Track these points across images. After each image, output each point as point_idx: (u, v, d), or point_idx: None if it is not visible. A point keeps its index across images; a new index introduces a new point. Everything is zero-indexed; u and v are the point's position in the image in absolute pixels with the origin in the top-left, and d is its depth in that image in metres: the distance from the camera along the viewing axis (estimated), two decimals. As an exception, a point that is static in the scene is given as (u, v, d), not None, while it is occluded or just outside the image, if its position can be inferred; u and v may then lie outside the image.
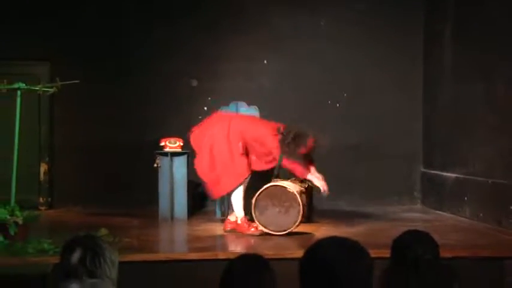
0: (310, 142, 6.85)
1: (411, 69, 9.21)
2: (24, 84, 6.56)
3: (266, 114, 8.13)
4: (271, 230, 6.64)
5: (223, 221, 7.59)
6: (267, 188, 6.70)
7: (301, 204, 6.56)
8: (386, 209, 8.51)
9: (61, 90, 6.89)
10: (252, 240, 6.44)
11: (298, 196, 6.60)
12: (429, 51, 9.13)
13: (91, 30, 8.83)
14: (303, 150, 6.81)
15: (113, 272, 2.95)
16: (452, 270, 3.27)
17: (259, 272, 2.81)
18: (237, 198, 6.91)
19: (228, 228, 6.96)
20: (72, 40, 8.78)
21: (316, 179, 6.96)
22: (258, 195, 6.65)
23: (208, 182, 6.93)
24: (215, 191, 6.97)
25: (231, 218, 7.00)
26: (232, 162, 6.81)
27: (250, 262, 2.88)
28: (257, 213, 6.67)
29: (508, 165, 7.24)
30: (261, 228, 6.69)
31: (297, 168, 6.87)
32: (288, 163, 6.84)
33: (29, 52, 8.69)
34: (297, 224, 6.60)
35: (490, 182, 7.49)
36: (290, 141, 6.77)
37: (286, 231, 6.59)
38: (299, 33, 9.08)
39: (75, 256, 2.90)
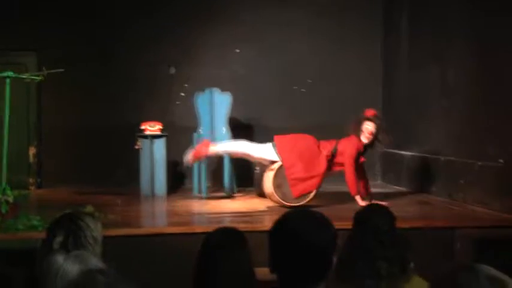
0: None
1: (371, 56, 9.23)
2: (12, 73, 6.49)
3: (239, 100, 8.16)
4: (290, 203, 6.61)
5: (200, 198, 7.63)
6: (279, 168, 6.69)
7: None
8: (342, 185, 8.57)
9: (47, 78, 6.83)
10: (229, 218, 6.45)
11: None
12: (388, 39, 9.17)
13: (75, 21, 8.72)
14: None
15: (96, 248, 2.93)
16: (408, 239, 3.32)
17: (235, 243, 2.83)
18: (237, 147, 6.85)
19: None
20: (57, 30, 8.68)
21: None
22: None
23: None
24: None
25: None
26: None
27: (226, 235, 2.89)
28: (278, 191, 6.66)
29: (457, 143, 7.32)
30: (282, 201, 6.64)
31: (352, 184, 6.58)
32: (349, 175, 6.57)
33: (16, 42, 8.58)
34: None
35: (442, 159, 7.58)
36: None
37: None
38: (268, 24, 9.07)
39: (58, 240, 2.88)
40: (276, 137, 6.83)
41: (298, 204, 6.54)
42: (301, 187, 6.61)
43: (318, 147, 6.70)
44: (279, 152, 6.70)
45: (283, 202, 6.63)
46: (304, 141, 6.73)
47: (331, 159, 6.68)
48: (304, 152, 6.65)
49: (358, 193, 6.61)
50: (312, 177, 6.59)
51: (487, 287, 1.75)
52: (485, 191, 6.61)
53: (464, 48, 7.16)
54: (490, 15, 6.67)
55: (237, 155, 7.08)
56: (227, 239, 2.85)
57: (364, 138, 6.67)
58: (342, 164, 6.67)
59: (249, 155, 6.92)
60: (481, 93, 6.80)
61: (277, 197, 6.65)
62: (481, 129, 6.76)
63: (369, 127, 6.66)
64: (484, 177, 6.65)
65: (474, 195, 6.81)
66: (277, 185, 6.66)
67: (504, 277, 1.80)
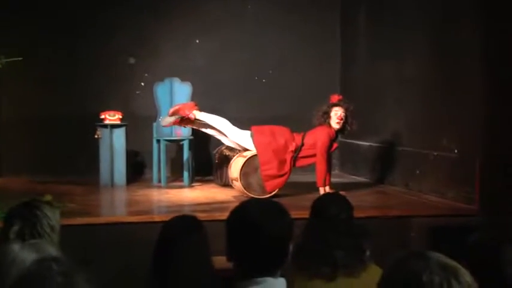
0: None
1: (330, 47, 9.28)
2: (-32, 62, 6.35)
3: (199, 91, 8.13)
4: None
5: (159, 187, 7.60)
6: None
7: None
8: (305, 175, 8.62)
9: (5, 67, 6.70)
10: (188, 208, 6.43)
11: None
12: (346, 30, 9.21)
13: (34, 9, 8.58)
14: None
15: (53, 237, 2.89)
16: (364, 228, 3.34)
17: (193, 231, 2.81)
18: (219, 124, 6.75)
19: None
20: (14, 18, 8.52)
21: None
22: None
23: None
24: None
25: None
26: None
27: (184, 223, 2.88)
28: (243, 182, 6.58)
29: (413, 134, 7.40)
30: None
31: (321, 176, 6.55)
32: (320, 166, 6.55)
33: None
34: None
35: (398, 149, 7.65)
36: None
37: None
38: (229, 16, 9.04)
39: (14, 229, 2.83)
40: (254, 128, 6.70)
41: (259, 197, 6.43)
42: (273, 183, 6.56)
43: (292, 141, 6.65)
44: (256, 145, 6.59)
45: (245, 191, 6.57)
46: (281, 137, 6.63)
47: (296, 155, 6.63)
48: (280, 149, 6.57)
49: (324, 186, 6.59)
50: (283, 174, 6.58)
51: (438, 273, 1.77)
52: (440, 181, 6.70)
53: (420, 40, 7.22)
54: (446, 8, 6.74)
55: (213, 130, 6.86)
56: (185, 225, 2.84)
57: (335, 124, 6.63)
58: (311, 156, 6.63)
59: (224, 135, 6.77)
60: (436, 85, 6.87)
61: (240, 184, 6.60)
62: (437, 120, 6.83)
63: (338, 112, 6.62)
64: (439, 167, 6.73)
65: (429, 185, 6.89)
66: (243, 172, 6.58)
67: (455, 264, 1.82)
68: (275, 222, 2.33)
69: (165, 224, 2.88)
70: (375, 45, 8.34)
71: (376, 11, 8.35)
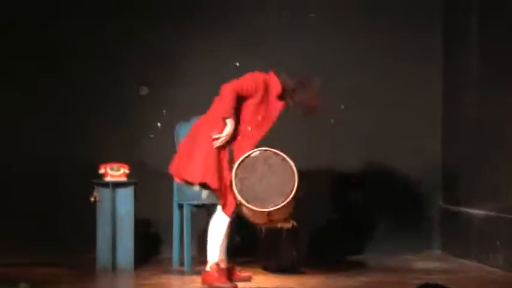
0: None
1: (427, 74, 9.27)
2: None
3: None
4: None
5: (181, 272, 7.54)
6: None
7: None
8: (395, 256, 8.55)
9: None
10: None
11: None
12: (450, 53, 9.18)
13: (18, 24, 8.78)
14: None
15: None
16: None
17: None
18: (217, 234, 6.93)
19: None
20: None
21: None
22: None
23: None
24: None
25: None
26: None
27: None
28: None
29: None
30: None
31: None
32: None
33: None
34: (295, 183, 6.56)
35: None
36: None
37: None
38: (281, 30, 9.09)
39: None
40: None
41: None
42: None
43: None
44: None
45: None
46: None
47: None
48: None
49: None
50: None
51: None
52: None
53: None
54: None
55: None
56: None
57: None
58: None
59: None
60: None
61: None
62: None
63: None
64: None
65: None
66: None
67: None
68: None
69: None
70: (491, 70, 8.25)
71: (491, 22, 8.31)
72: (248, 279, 7.16)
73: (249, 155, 6.67)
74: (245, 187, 6.60)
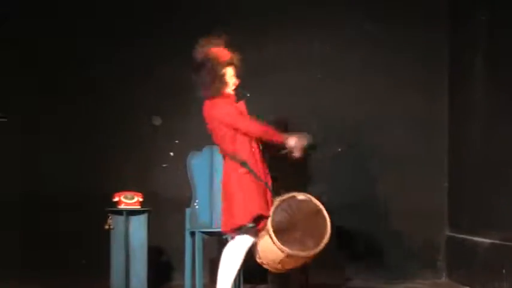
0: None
1: (433, 105, 9.33)
2: None
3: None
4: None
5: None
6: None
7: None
8: (402, 284, 8.60)
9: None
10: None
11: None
12: (456, 86, 9.22)
13: (25, 53, 8.88)
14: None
15: None
16: None
17: None
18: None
19: None
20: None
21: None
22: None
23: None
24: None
25: None
26: None
27: None
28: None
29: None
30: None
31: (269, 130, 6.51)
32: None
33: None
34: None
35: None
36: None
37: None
38: (295, 58, 9.17)
39: None
40: None
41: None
42: None
43: None
44: None
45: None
46: None
47: None
48: None
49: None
50: None
51: None
52: None
53: None
54: None
55: None
56: None
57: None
58: None
59: None
60: None
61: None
62: None
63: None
64: None
65: None
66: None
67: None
68: None
69: None
70: (496, 103, 8.29)
71: (498, 55, 8.36)
72: None
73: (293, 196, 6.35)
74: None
